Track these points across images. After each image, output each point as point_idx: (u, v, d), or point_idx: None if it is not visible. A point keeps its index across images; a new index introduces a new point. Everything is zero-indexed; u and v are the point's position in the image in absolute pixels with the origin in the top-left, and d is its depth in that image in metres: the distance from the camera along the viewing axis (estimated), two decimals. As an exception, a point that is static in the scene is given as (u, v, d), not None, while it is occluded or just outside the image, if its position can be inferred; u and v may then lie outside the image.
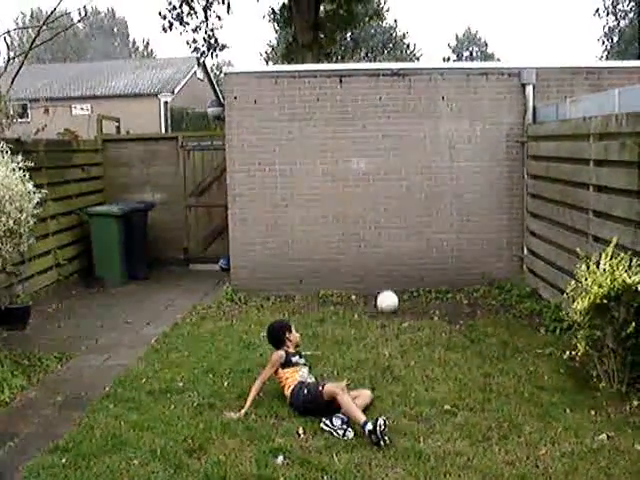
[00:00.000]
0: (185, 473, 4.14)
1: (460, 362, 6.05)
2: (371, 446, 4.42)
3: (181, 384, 5.65)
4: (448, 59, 60.10)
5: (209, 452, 4.41)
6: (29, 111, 30.17)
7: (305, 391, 5.03)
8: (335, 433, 4.63)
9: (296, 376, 5.20)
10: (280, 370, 5.27)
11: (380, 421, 4.46)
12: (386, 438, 4.43)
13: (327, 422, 4.72)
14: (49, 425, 4.98)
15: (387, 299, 8.04)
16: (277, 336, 5.51)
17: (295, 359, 5.34)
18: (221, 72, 32.40)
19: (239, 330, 7.28)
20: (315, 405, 4.93)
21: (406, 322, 7.41)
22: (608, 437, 4.46)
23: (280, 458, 4.29)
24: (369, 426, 4.48)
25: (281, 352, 5.32)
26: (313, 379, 5.28)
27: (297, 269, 8.92)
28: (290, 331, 5.50)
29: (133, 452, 4.41)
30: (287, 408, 5.07)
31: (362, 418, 4.60)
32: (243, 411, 5.00)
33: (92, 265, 10.09)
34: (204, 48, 17.61)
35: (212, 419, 4.91)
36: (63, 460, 4.33)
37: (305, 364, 5.41)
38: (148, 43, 67.62)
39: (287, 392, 5.15)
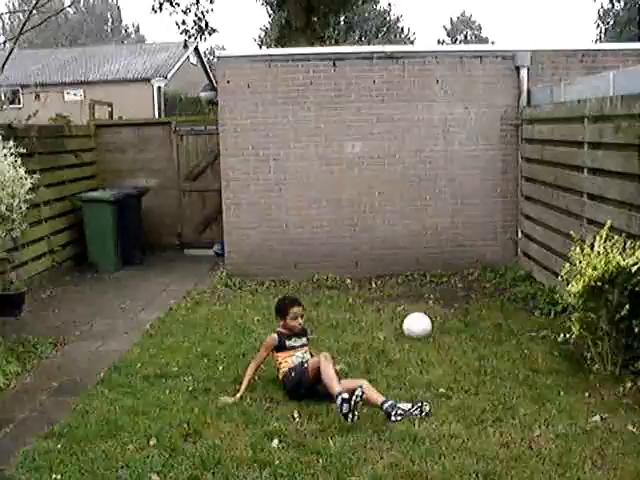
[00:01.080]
0: (180, 457, 4.14)
1: (455, 345, 6.06)
2: (366, 429, 4.43)
3: (176, 369, 5.65)
4: (442, 42, 59.92)
5: (204, 436, 4.41)
6: (21, 97, 29.95)
7: (292, 374, 5.02)
8: (412, 415, 4.59)
9: (289, 361, 5.16)
10: (275, 354, 5.25)
11: (358, 391, 4.46)
12: (356, 413, 4.43)
13: (398, 412, 4.58)
14: (44, 411, 4.97)
15: (417, 323, 6.47)
16: (275, 313, 5.48)
17: (290, 342, 5.25)
18: (214, 56, 32.19)
19: (234, 315, 7.28)
20: (305, 387, 4.91)
21: (401, 306, 7.41)
22: (602, 418, 4.48)
23: (275, 441, 4.30)
24: (345, 394, 4.49)
25: (274, 335, 5.28)
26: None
27: (291, 253, 8.91)
28: (284, 318, 5.29)
29: (128, 437, 4.41)
30: (282, 392, 5.08)
31: (338, 388, 4.61)
32: (238, 395, 4.99)
33: (86, 251, 10.04)
34: (194, 31, 17.45)
35: (207, 403, 4.92)
36: (58, 445, 4.33)
37: (303, 345, 5.30)
38: (139, 27, 67.20)
39: (280, 378, 5.15)
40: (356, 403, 4.43)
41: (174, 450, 4.22)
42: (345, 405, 4.44)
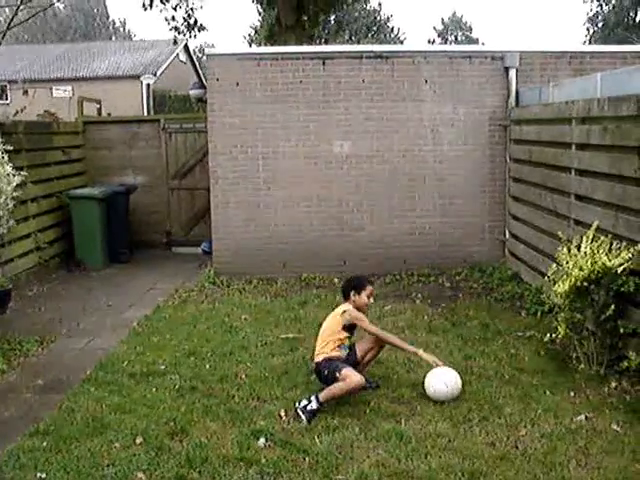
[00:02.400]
0: (167, 456, 4.14)
1: (442, 345, 6.08)
2: (353, 428, 4.44)
3: (163, 367, 5.65)
4: (433, 41, 60.12)
5: (191, 434, 4.41)
6: (8, 92, 29.81)
7: (325, 372, 4.91)
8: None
9: (338, 349, 5.00)
10: (341, 330, 5.06)
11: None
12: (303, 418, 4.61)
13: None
14: (30, 409, 4.95)
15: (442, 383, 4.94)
16: (345, 288, 5.26)
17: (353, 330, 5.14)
18: (204, 54, 32.11)
19: (221, 313, 7.26)
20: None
21: (388, 305, 7.43)
22: (586, 418, 4.52)
23: (262, 440, 4.31)
24: (314, 405, 4.67)
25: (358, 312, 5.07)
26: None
27: (279, 252, 8.90)
28: (359, 293, 5.13)
29: (114, 435, 4.40)
30: (269, 390, 5.08)
31: (322, 397, 4.72)
32: (421, 351, 5.00)
33: (73, 248, 9.99)
34: (183, 27, 17.40)
35: (194, 402, 4.91)
36: (44, 444, 4.31)
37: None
38: (125, 23, 66.96)
39: (320, 359, 5.01)
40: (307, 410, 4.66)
41: (160, 448, 4.22)
42: (313, 408, 4.64)
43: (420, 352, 5.03)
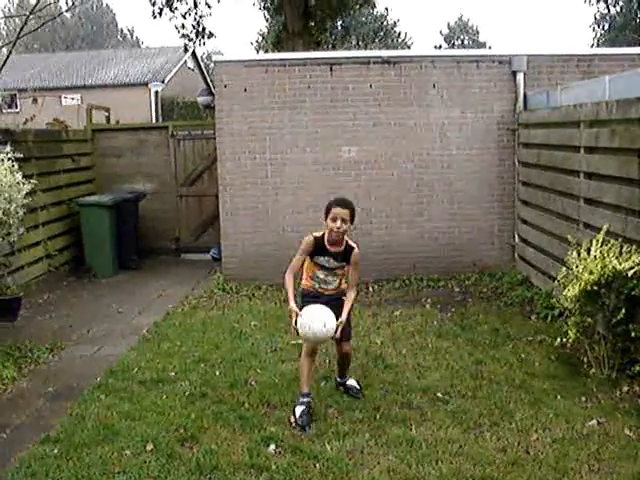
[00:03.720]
0: (177, 462, 4.14)
1: (451, 350, 6.06)
2: (363, 434, 4.43)
3: (173, 374, 5.65)
4: (440, 47, 60.03)
5: (201, 441, 4.41)
6: (18, 101, 29.97)
7: (303, 300, 4.84)
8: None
9: (309, 277, 4.85)
10: (308, 258, 4.79)
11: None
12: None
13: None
14: (40, 416, 4.96)
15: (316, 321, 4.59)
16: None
17: (320, 260, 4.76)
18: (211, 61, 32.26)
19: (231, 319, 7.27)
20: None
21: (398, 310, 7.42)
22: (598, 422, 4.49)
23: (272, 446, 4.30)
24: (304, 402, 4.67)
25: (311, 237, 4.71)
26: (333, 284, 4.83)
27: (288, 258, 8.78)
28: (325, 217, 4.64)
29: (125, 442, 4.40)
30: (279, 397, 5.07)
31: (304, 390, 4.74)
32: (293, 304, 4.63)
33: (83, 255, 10.04)
34: (192, 35, 17.50)
35: (204, 408, 4.91)
36: (55, 451, 4.32)
37: (335, 269, 4.80)
38: (133, 31, 67.34)
39: (300, 288, 4.91)
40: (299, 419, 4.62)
41: (171, 455, 4.22)
42: (301, 409, 4.63)
43: (291, 305, 4.64)
